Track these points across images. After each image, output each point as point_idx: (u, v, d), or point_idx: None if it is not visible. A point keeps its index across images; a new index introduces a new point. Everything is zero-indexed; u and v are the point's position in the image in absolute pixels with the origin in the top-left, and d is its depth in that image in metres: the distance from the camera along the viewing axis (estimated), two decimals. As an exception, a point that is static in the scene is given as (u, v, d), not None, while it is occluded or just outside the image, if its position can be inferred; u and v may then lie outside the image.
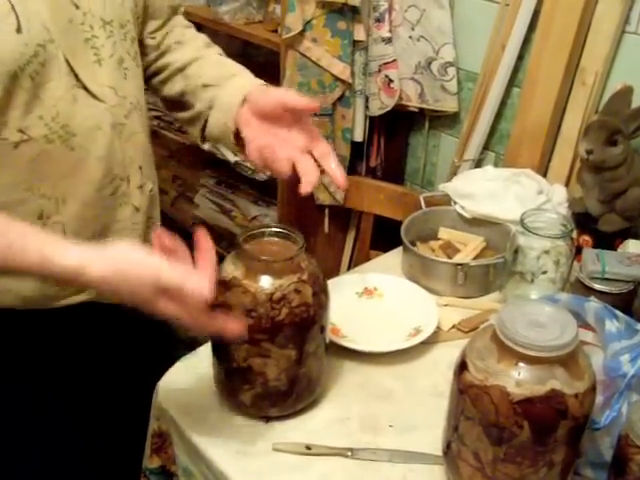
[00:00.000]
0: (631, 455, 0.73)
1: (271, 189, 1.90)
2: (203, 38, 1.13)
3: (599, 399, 0.78)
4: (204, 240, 0.77)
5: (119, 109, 0.92)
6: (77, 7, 0.86)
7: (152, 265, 0.74)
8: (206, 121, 1.04)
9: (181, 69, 1.08)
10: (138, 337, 1.09)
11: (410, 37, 1.69)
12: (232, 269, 0.87)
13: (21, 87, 0.81)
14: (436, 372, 1.01)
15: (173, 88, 1.08)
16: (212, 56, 1.09)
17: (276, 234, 0.91)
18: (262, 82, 1.03)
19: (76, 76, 0.86)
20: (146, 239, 1.01)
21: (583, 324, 0.90)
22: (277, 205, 1.87)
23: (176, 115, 1.12)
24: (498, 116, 1.63)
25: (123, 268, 0.73)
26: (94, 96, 0.89)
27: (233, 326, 0.78)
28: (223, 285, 0.87)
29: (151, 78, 1.10)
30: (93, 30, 0.88)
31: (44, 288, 0.93)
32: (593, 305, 0.90)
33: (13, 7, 0.79)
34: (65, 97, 0.86)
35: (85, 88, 0.88)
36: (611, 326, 0.86)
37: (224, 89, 1.02)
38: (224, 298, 0.86)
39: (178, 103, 1.10)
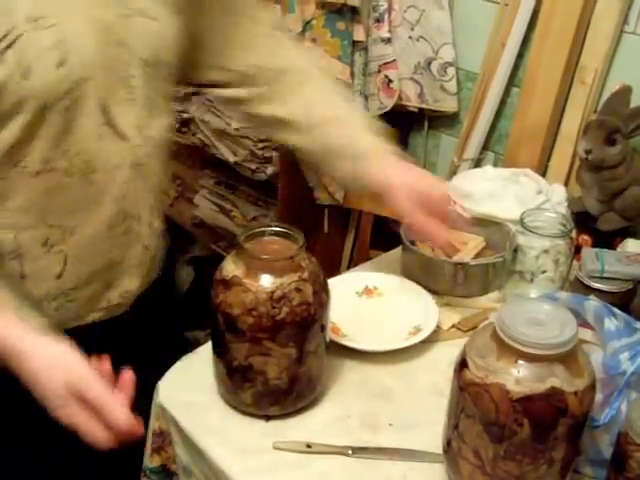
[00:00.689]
0: (630, 453, 0.73)
1: (271, 189, 1.90)
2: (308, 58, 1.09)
3: (598, 397, 0.78)
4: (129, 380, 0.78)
5: (141, 149, 0.90)
6: (122, 45, 0.84)
7: (86, 370, 0.76)
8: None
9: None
10: (139, 339, 1.09)
11: (409, 37, 1.69)
12: (233, 268, 0.87)
13: (49, 121, 0.80)
14: (436, 371, 1.02)
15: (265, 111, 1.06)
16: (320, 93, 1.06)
17: (276, 233, 0.91)
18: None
19: (106, 114, 0.85)
20: (149, 277, 1.02)
21: (582, 322, 0.90)
22: (277, 205, 1.88)
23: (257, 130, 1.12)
24: (497, 116, 1.63)
25: (56, 363, 0.77)
26: (120, 135, 0.87)
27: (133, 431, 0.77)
28: (224, 284, 0.87)
29: (233, 103, 1.08)
30: (131, 69, 0.86)
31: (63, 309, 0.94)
32: (592, 304, 0.90)
33: (61, 41, 0.77)
34: (92, 134, 0.84)
35: (113, 126, 0.86)
36: (610, 324, 0.86)
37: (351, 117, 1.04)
38: (225, 297, 0.86)
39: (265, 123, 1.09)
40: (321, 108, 1.05)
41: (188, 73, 1.03)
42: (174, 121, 1.01)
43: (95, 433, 0.75)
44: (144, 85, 0.88)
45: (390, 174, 1.03)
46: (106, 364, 0.79)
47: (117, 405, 0.75)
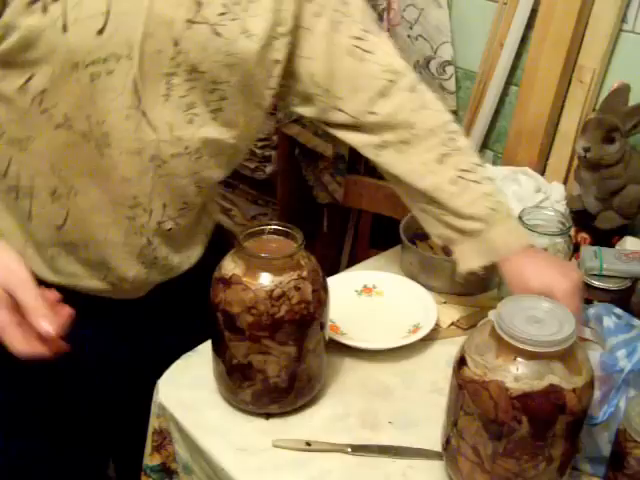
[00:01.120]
0: (629, 450, 0.74)
1: (270, 188, 1.90)
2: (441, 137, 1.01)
3: (597, 394, 0.78)
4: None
5: (168, 146, 0.90)
6: (176, 44, 0.84)
7: (22, 274, 0.76)
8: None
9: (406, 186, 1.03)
10: (138, 335, 1.09)
11: (408, 36, 1.69)
12: (232, 267, 0.87)
13: (78, 80, 0.83)
14: (435, 369, 1.02)
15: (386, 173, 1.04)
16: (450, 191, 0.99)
17: (276, 232, 0.91)
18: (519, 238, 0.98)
19: (139, 99, 0.86)
20: (148, 270, 1.00)
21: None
22: (276, 204, 1.88)
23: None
24: (496, 114, 1.63)
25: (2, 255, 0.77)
26: (149, 124, 0.87)
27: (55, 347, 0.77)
28: (223, 282, 0.87)
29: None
30: (178, 68, 0.86)
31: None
32: (592, 311, 0.91)
33: (108, 12, 0.80)
34: (119, 112, 0.86)
35: (144, 113, 0.87)
36: (609, 322, 0.87)
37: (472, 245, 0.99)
38: (224, 296, 0.87)
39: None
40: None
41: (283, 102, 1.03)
42: (227, 142, 0.96)
43: (15, 335, 0.74)
44: (187, 88, 0.88)
45: (526, 278, 0.93)
46: (54, 293, 0.78)
47: (46, 313, 0.74)
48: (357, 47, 0.98)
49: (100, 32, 0.81)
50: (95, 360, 1.03)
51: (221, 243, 1.13)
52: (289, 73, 0.97)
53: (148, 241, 0.97)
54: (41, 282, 0.79)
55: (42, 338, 0.75)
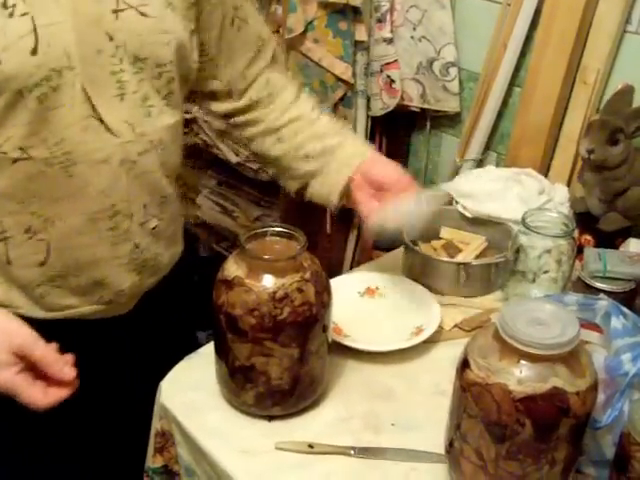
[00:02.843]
0: (633, 453, 0.73)
1: (273, 190, 1.90)
2: (292, 88, 1.12)
3: (601, 398, 0.78)
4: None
5: (133, 145, 0.89)
6: (111, 39, 0.83)
7: (26, 334, 0.80)
8: (305, 183, 1.11)
9: (274, 130, 1.10)
10: (141, 338, 1.09)
11: (412, 37, 1.69)
12: (235, 268, 0.87)
13: (26, 107, 0.80)
14: (438, 371, 1.02)
15: (263, 147, 1.11)
16: (308, 118, 1.10)
17: (278, 233, 0.91)
18: (366, 148, 1.09)
19: (92, 107, 0.84)
20: (141, 276, 1.00)
21: (589, 324, 0.90)
22: (279, 205, 1.88)
23: (263, 166, 1.15)
24: (499, 116, 1.63)
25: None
26: (109, 129, 0.86)
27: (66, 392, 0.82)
28: (226, 284, 0.87)
29: (237, 127, 1.12)
30: (122, 64, 0.85)
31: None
32: (603, 303, 0.90)
33: (35, 29, 0.78)
34: (75, 125, 0.84)
35: (100, 120, 0.85)
36: (617, 323, 0.86)
37: (329, 165, 1.07)
38: (227, 297, 0.86)
39: (267, 160, 1.14)
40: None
41: (196, 81, 1.03)
42: (180, 123, 0.99)
43: (35, 393, 0.79)
44: (137, 82, 0.87)
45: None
46: (51, 345, 0.82)
47: (61, 360, 0.80)
48: (236, 17, 1.02)
49: (34, 52, 0.78)
50: (96, 374, 1.03)
51: (191, 238, 1.15)
52: None
53: (135, 245, 0.96)
54: (34, 320, 0.84)
55: (59, 384, 0.80)
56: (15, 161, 0.83)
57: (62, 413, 1.05)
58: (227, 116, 1.13)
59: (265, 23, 1.10)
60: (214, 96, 1.09)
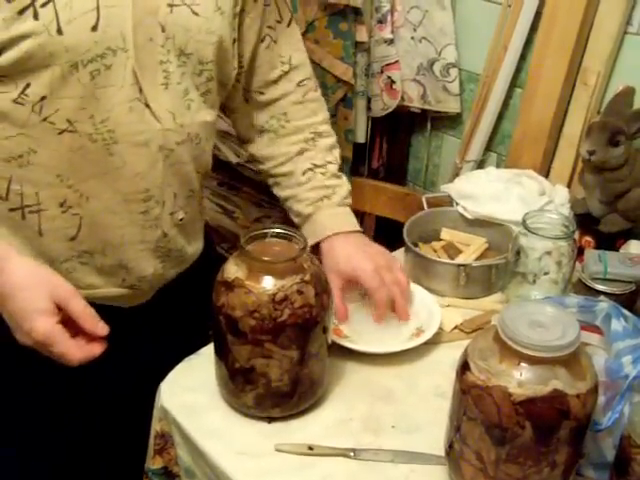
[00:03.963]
0: (633, 455, 0.73)
1: (273, 190, 1.90)
2: (304, 134, 1.13)
3: (601, 400, 0.78)
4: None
5: (173, 134, 0.93)
6: (163, 30, 0.88)
7: (68, 286, 0.83)
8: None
9: (271, 175, 1.16)
10: (140, 339, 1.09)
11: (412, 38, 1.69)
12: (235, 270, 0.87)
13: (79, 80, 0.84)
14: (438, 373, 1.01)
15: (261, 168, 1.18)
16: (297, 180, 1.12)
17: (278, 235, 0.91)
18: (328, 229, 1.09)
19: (140, 90, 0.87)
20: (165, 265, 1.03)
21: (590, 326, 0.90)
22: (279, 206, 1.87)
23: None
24: (500, 117, 1.63)
25: (42, 272, 0.83)
26: (153, 114, 0.89)
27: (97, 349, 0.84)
28: (226, 286, 0.87)
29: (264, 132, 1.13)
30: (169, 55, 0.89)
31: None
32: (603, 305, 0.90)
33: (98, 7, 0.82)
34: (122, 105, 0.87)
35: (146, 104, 0.89)
36: (617, 325, 0.86)
37: (302, 227, 1.11)
38: (227, 299, 0.86)
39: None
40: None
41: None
42: (215, 124, 1.02)
43: (70, 345, 0.81)
44: (180, 74, 0.91)
45: (336, 260, 1.06)
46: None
47: (97, 317, 0.83)
48: (268, 35, 1.05)
49: (94, 28, 0.82)
50: (103, 368, 1.03)
51: (209, 238, 1.18)
52: None
53: (163, 233, 0.99)
54: None
55: (92, 340, 0.82)
56: (61, 132, 0.86)
57: (62, 413, 1.06)
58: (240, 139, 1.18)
59: (304, 52, 1.12)
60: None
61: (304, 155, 1.12)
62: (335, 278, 1.02)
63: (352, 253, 1.05)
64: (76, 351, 0.81)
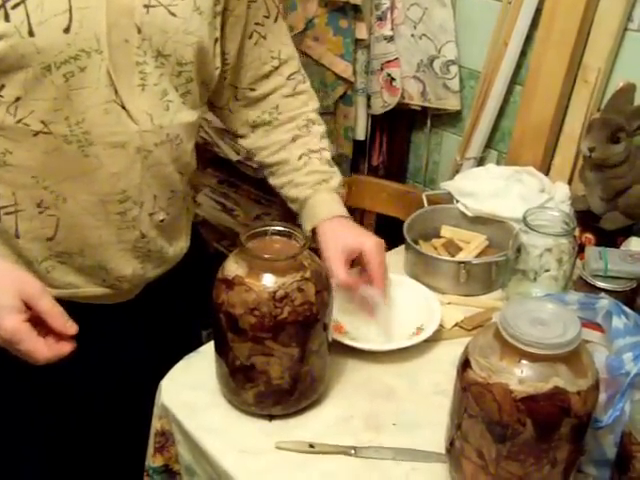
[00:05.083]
0: (634, 453, 0.73)
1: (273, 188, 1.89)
2: (297, 122, 1.13)
3: (602, 397, 0.77)
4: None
5: (151, 136, 0.92)
6: (139, 31, 0.87)
7: (37, 284, 0.81)
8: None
9: (266, 165, 1.16)
10: (140, 336, 1.09)
11: (412, 35, 1.69)
12: (235, 267, 0.87)
13: (52, 82, 0.83)
14: (439, 370, 1.01)
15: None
16: (294, 165, 1.12)
17: (279, 232, 0.91)
18: (325, 213, 1.08)
19: (115, 92, 0.87)
20: (144, 265, 1.02)
21: (591, 323, 0.90)
22: (279, 204, 1.87)
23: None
24: (500, 114, 1.63)
25: (11, 270, 0.82)
26: (129, 116, 0.89)
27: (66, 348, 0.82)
28: (226, 284, 0.87)
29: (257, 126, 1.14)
30: (145, 56, 0.88)
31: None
32: (604, 302, 0.90)
33: (70, 9, 0.81)
34: (97, 107, 0.86)
35: (122, 106, 0.88)
36: (618, 322, 0.86)
37: (301, 212, 1.12)
38: (227, 297, 0.86)
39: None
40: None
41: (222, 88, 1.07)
42: (197, 125, 1.02)
43: (38, 344, 0.79)
44: (158, 76, 0.90)
45: (342, 237, 1.06)
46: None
47: (65, 315, 0.81)
48: (256, 32, 1.05)
49: (66, 30, 0.81)
50: (96, 365, 1.03)
51: (197, 235, 1.18)
52: None
53: (141, 234, 0.98)
54: None
55: (60, 340, 0.81)
56: (36, 134, 0.86)
57: (62, 411, 1.06)
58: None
59: (292, 45, 1.12)
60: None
61: (297, 142, 1.12)
62: (340, 255, 1.03)
63: (356, 231, 1.07)
64: (43, 349, 0.79)
